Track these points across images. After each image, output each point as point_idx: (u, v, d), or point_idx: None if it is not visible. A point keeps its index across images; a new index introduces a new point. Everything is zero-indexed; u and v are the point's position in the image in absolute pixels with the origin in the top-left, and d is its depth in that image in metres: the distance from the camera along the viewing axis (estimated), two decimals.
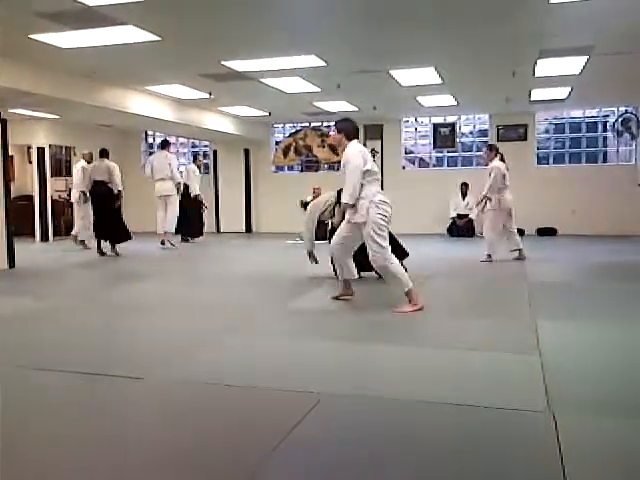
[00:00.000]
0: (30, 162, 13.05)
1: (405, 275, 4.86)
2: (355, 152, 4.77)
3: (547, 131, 13.40)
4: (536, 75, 8.52)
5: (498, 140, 12.83)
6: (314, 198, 12.12)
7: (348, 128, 4.92)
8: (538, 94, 10.20)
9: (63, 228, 13.33)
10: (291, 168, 14.65)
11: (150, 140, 15.11)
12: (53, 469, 2.21)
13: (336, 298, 5.31)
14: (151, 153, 15.15)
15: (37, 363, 3.56)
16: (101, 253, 9.38)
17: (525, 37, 6.62)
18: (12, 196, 8.47)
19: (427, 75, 8.47)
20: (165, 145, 10.70)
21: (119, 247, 9.51)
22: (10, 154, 8.62)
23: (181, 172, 11.19)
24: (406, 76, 8.53)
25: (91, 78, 8.38)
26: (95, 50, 6.71)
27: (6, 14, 5.59)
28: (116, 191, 9.44)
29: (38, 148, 12.45)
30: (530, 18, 5.98)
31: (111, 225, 9.42)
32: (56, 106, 9.26)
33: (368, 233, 4.74)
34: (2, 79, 7.03)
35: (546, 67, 8.04)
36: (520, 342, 3.85)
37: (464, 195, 12.44)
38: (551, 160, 13.11)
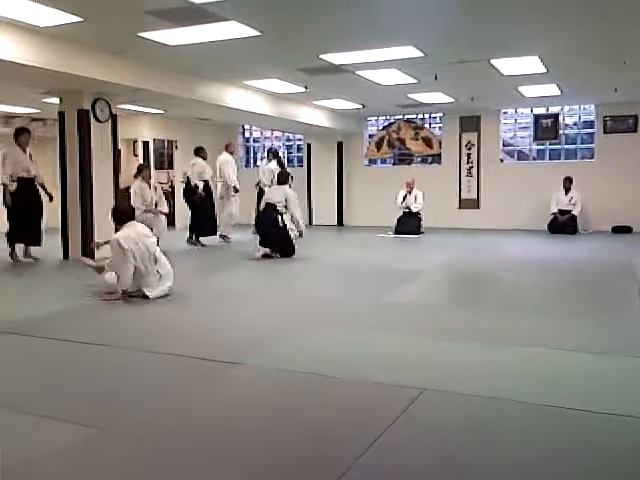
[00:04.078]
0: (135, 155, 13.73)
1: None
2: None
3: None
4: None
5: (605, 132, 12.15)
6: (408, 192, 12.00)
7: None
8: None
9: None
10: (384, 161, 14.54)
11: (247, 134, 15.47)
12: (156, 454, 2.30)
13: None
14: (247, 147, 15.57)
15: (141, 345, 3.73)
16: (194, 243, 9.77)
17: (638, 22, 6.19)
18: (120, 187, 8.99)
19: (530, 64, 8.12)
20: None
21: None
22: (118, 148, 9.10)
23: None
24: (508, 65, 8.22)
25: (193, 74, 8.68)
26: (199, 46, 6.94)
27: (118, 14, 5.89)
28: (193, 185, 9.81)
29: (143, 142, 13.10)
30: None
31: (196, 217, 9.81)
32: (161, 101, 9.67)
33: None
34: (114, 76, 7.42)
35: None
36: (635, 344, 3.62)
37: (567, 190, 11.84)
38: None
